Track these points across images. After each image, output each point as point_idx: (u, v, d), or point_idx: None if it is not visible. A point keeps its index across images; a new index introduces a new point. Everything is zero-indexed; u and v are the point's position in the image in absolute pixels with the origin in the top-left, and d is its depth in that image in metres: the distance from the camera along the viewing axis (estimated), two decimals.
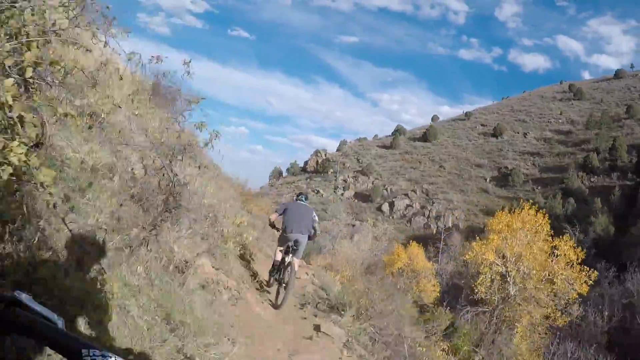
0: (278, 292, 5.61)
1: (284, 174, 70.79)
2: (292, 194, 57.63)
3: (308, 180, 60.69)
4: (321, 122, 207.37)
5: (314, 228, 5.86)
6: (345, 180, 57.23)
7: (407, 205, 47.77)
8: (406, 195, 49.61)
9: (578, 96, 70.69)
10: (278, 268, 5.70)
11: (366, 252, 19.30)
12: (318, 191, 55.64)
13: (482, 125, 68.75)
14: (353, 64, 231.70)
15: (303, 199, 6.12)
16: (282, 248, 5.73)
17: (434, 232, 43.23)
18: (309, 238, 5.87)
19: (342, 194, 53.34)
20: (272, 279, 5.90)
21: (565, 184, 43.92)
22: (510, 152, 56.55)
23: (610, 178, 43.97)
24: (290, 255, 5.53)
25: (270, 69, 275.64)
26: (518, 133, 62.26)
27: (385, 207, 48.21)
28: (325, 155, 65.76)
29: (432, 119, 79.63)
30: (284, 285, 5.47)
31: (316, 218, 5.93)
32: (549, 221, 11.11)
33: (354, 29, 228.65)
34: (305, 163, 66.66)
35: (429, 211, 45.83)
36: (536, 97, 78.37)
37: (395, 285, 15.05)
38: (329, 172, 61.07)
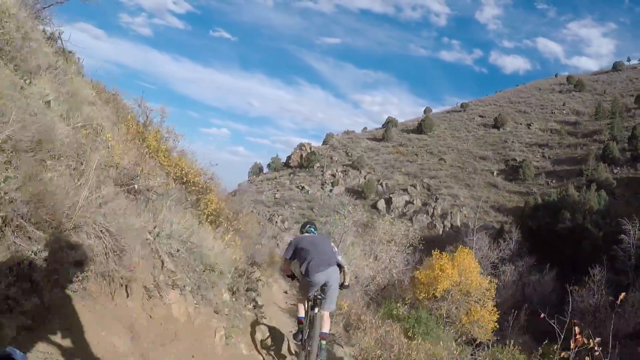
0: None
1: (265, 170, 63.87)
2: (274, 190, 50.95)
3: (291, 175, 53.77)
4: (302, 123, 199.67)
5: (339, 266, 4.02)
6: (333, 175, 50.56)
7: (407, 202, 41.39)
8: (405, 190, 43.25)
9: (579, 87, 66.93)
10: (304, 329, 4.14)
11: (386, 263, 12.60)
12: (303, 187, 48.84)
13: (480, 116, 63.58)
14: (335, 65, 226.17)
15: (312, 229, 4.39)
16: (304, 298, 4.20)
17: (440, 232, 37.06)
18: (341, 287, 4.16)
19: (331, 190, 46.59)
20: (299, 344, 4.23)
21: (586, 176, 38.57)
22: (517, 144, 51.12)
23: (635, 169, 38.94)
24: (317, 308, 3.97)
25: (252, 70, 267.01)
26: (521, 124, 57.16)
27: (381, 204, 41.71)
28: (311, 148, 58.93)
29: (425, 111, 74.04)
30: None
31: (336, 249, 4.17)
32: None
33: (336, 30, 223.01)
34: (288, 158, 59.66)
35: (433, 208, 39.55)
36: (533, 89, 74.30)
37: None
38: (315, 167, 54.28)
